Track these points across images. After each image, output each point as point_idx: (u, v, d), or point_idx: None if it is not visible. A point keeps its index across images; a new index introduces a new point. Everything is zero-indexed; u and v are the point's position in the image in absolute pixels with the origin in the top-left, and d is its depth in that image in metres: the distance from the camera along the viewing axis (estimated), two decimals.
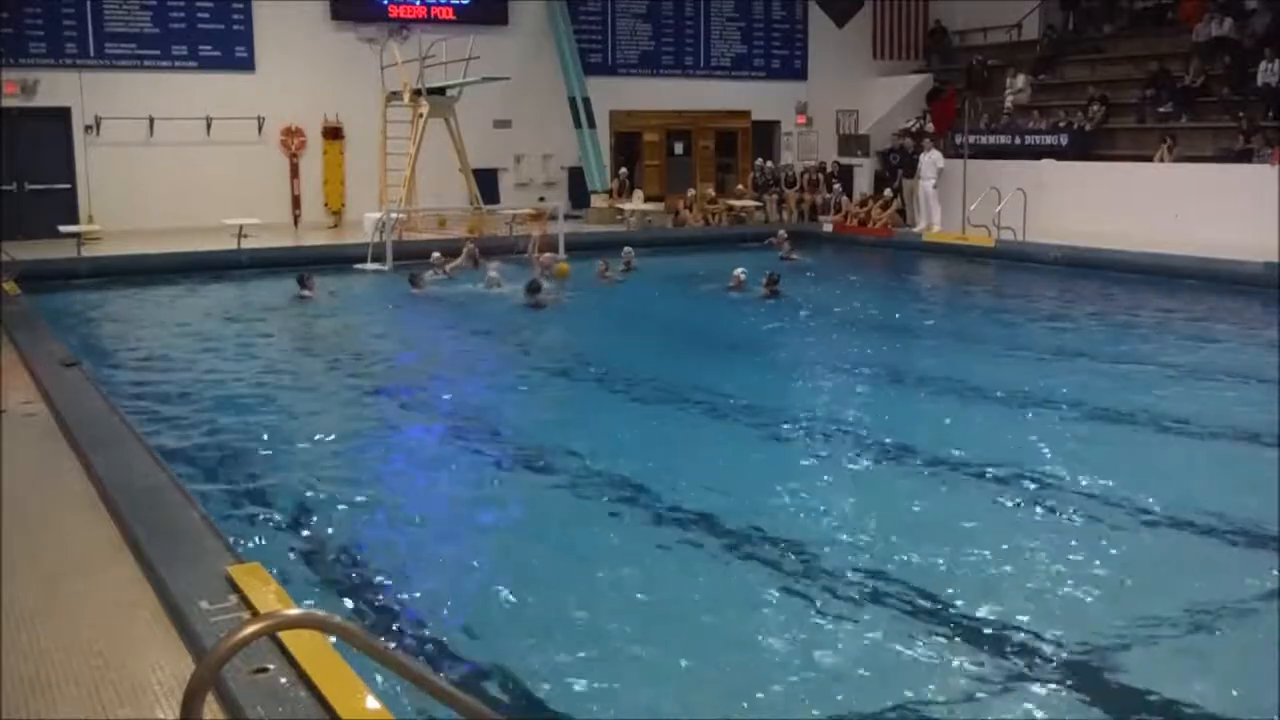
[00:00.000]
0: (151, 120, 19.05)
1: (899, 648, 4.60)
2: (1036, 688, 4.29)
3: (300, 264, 15.24)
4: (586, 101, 21.46)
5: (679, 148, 23.72)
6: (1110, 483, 6.60)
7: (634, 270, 15.83)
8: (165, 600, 4.14)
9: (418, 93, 18.46)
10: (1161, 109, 19.47)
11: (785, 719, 4.12)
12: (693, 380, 9.47)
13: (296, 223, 20.33)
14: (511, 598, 5.16)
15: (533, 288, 12.96)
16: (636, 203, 20.90)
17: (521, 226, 18.84)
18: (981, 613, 4.89)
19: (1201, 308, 13.20)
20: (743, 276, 14.15)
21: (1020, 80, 22.47)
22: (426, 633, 4.79)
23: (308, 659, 3.46)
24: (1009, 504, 6.39)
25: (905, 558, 5.50)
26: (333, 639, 3.42)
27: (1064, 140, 20.02)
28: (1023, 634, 4.69)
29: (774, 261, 16.77)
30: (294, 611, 3.43)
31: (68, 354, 8.90)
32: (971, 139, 19.98)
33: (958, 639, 4.66)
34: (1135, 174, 18.42)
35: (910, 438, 7.66)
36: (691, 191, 21.76)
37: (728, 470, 7.04)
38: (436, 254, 15.14)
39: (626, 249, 16.29)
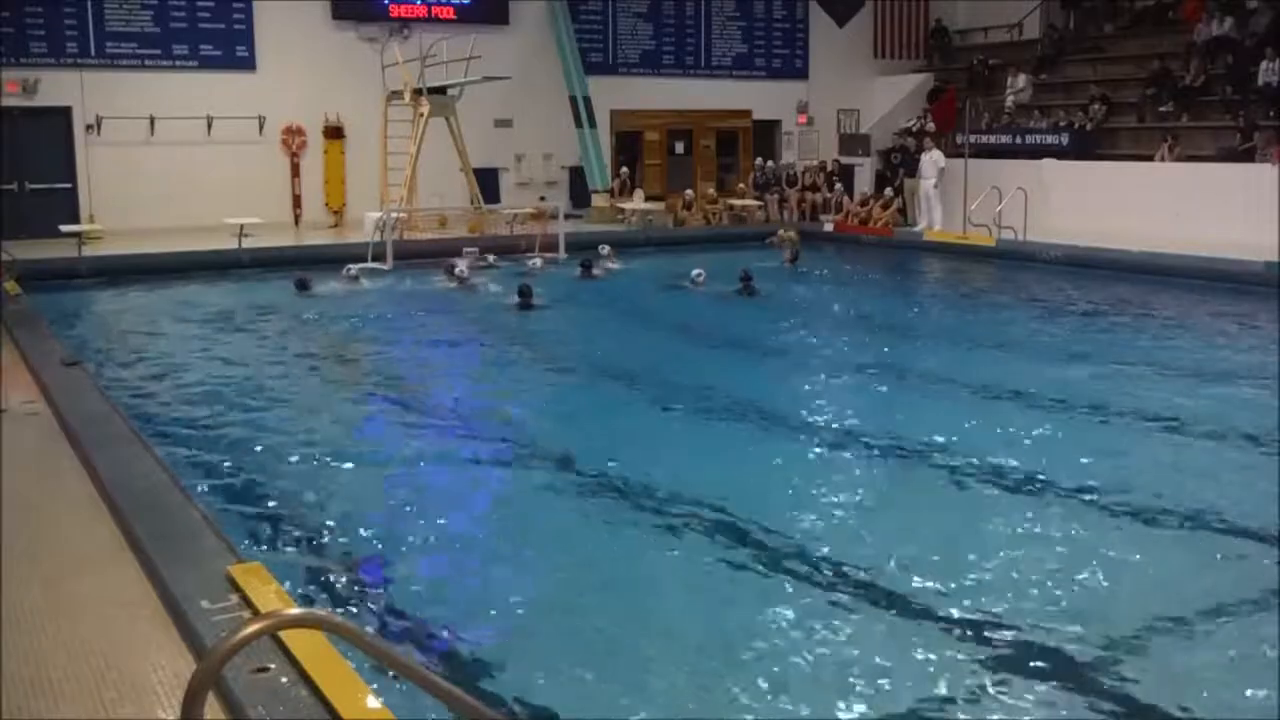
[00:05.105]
0: (152, 120, 19.04)
1: (896, 645, 4.61)
2: (1037, 687, 4.29)
3: (301, 263, 15.33)
4: (587, 101, 21.45)
5: (680, 147, 23.70)
6: (1108, 481, 6.60)
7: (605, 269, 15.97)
8: (166, 600, 4.14)
9: (418, 92, 18.45)
10: (1162, 108, 19.46)
11: (783, 718, 4.13)
12: (675, 377, 9.60)
13: (297, 222, 20.34)
14: (512, 596, 5.16)
15: (523, 291, 13.02)
16: (637, 202, 20.90)
17: (523, 226, 18.87)
18: (981, 611, 4.89)
19: (1202, 307, 13.18)
20: (700, 278, 14.33)
21: (1021, 79, 22.46)
22: (427, 632, 4.79)
23: (308, 658, 3.46)
24: (1008, 503, 6.39)
25: (902, 553, 5.51)
26: (333, 638, 3.42)
27: (1065, 140, 20.01)
28: (1022, 633, 4.70)
29: (777, 261, 16.81)
30: (295, 611, 3.43)
31: (69, 353, 8.91)
32: (972, 138, 19.95)
33: (957, 638, 4.67)
34: (1136, 173, 18.41)
35: (907, 436, 7.65)
36: (690, 192, 21.74)
37: (733, 469, 7.06)
38: (353, 267, 15.17)
39: (603, 246, 16.53)
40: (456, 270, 14.67)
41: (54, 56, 18.61)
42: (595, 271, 15.41)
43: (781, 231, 18.72)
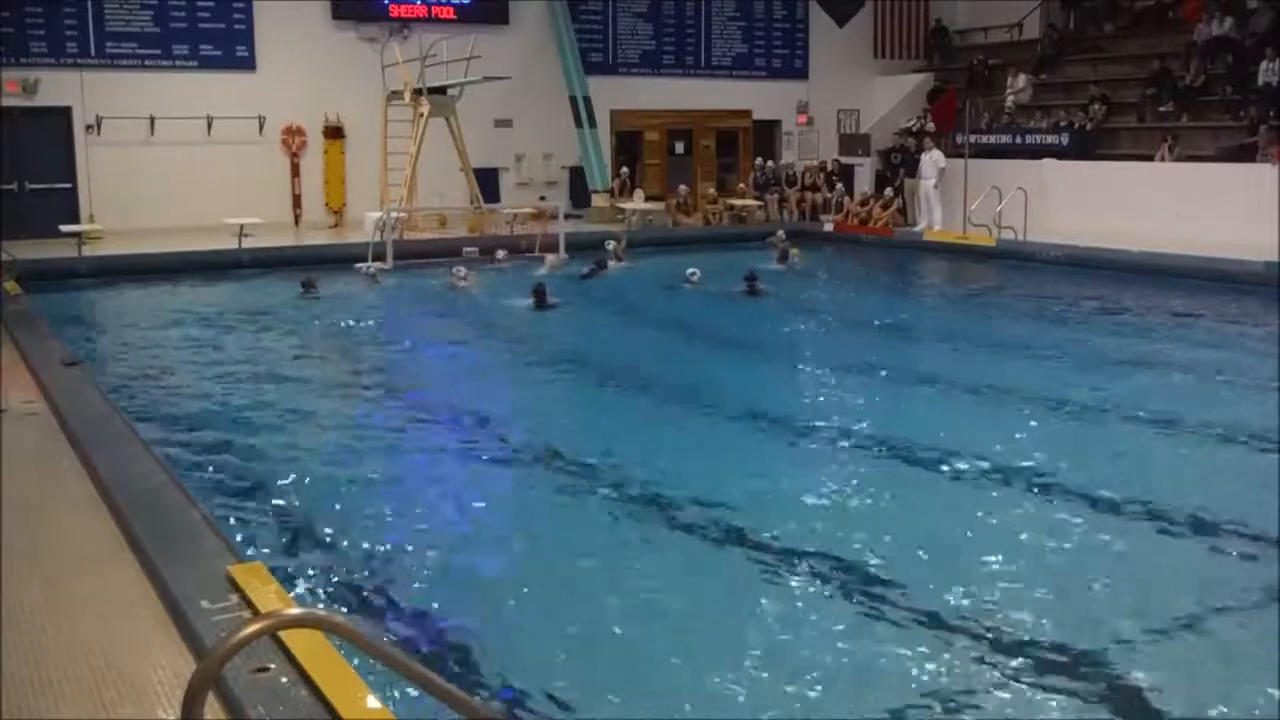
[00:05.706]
0: (152, 119, 19.05)
1: (899, 645, 4.61)
2: (1037, 687, 4.29)
3: (301, 263, 15.34)
4: (587, 100, 21.45)
5: (680, 147, 23.70)
6: (1107, 481, 6.59)
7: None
8: (166, 600, 4.14)
9: (418, 92, 18.46)
10: (1162, 108, 19.45)
11: (783, 717, 4.13)
12: (682, 377, 9.58)
13: (297, 222, 20.34)
14: (512, 597, 5.16)
15: (538, 291, 12.98)
16: (637, 202, 20.90)
17: (523, 226, 18.87)
18: (983, 610, 4.89)
19: (1202, 307, 13.18)
20: (695, 277, 14.34)
21: (1021, 79, 22.46)
22: (427, 632, 4.79)
23: (308, 658, 3.46)
24: (1009, 503, 6.39)
25: (903, 553, 5.51)
26: (333, 638, 3.42)
27: (1065, 140, 19.99)
28: (1021, 632, 4.70)
29: (773, 262, 16.80)
30: (294, 611, 3.43)
31: (69, 353, 8.91)
32: (972, 138, 19.94)
33: (958, 638, 4.67)
34: (1136, 173, 18.40)
35: (907, 436, 7.64)
36: (683, 187, 21.67)
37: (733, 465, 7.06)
38: (371, 264, 15.23)
39: (608, 241, 16.75)
40: (454, 270, 14.62)
41: (54, 56, 18.62)
42: (604, 271, 15.43)
43: (780, 232, 18.71)
